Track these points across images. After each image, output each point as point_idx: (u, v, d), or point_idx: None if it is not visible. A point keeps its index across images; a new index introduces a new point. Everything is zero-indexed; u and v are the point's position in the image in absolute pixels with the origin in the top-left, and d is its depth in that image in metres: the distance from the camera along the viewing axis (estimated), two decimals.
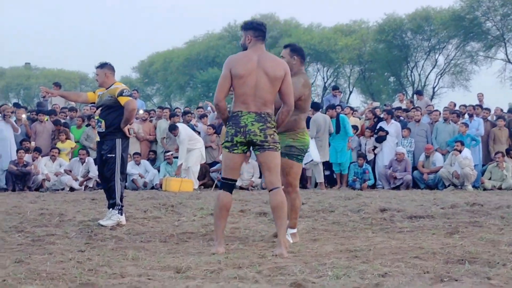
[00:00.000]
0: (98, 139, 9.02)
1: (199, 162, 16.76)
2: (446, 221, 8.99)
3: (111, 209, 8.81)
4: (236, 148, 6.49)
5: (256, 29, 6.68)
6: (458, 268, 5.46)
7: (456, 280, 4.94)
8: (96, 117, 8.97)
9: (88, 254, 6.32)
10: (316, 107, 17.03)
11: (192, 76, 55.26)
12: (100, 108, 8.94)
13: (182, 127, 16.64)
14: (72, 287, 4.61)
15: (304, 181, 17.29)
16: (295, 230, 7.45)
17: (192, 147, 16.51)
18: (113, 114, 8.81)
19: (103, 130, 8.85)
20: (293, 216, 7.43)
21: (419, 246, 6.74)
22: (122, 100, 8.75)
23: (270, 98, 6.50)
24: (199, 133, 17.77)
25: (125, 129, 8.92)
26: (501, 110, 19.97)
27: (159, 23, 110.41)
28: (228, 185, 6.61)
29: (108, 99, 8.82)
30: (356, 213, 10.05)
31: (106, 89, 8.92)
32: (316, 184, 17.41)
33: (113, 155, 8.82)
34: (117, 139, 8.85)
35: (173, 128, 16.64)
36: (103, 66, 9.03)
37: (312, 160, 15.46)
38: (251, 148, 6.54)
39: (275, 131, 6.51)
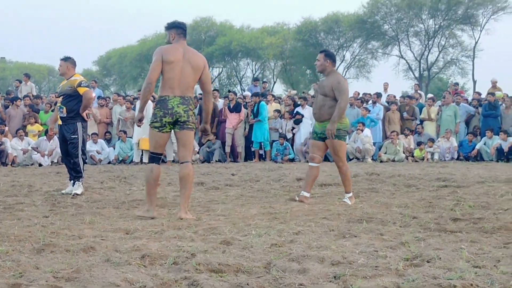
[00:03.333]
0: (60, 122, 8.83)
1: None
2: None
3: (77, 180, 8.68)
4: (164, 128, 6.39)
5: (178, 27, 6.65)
6: (357, 226, 5.54)
7: (355, 236, 5.01)
8: (58, 104, 8.77)
9: (52, 219, 6.20)
10: None
11: (143, 68, 54.45)
12: (62, 97, 8.75)
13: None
14: (36, 247, 4.50)
15: (235, 156, 17.32)
16: (350, 194, 7.65)
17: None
18: (73, 101, 8.67)
19: (65, 115, 8.70)
20: (347, 183, 7.67)
21: (327, 209, 6.82)
22: (81, 90, 8.63)
23: (192, 84, 6.48)
24: None
25: (83, 114, 8.80)
26: (394, 96, 20.19)
27: (114, 23, 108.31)
28: (158, 159, 6.54)
29: (68, 89, 8.66)
30: (277, 182, 10.09)
31: (67, 79, 8.76)
32: (246, 158, 17.44)
33: (76, 136, 8.70)
34: (77, 123, 8.74)
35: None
36: (67, 59, 8.89)
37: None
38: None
39: (194, 112, 6.49)
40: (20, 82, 20.77)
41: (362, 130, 16.53)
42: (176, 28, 6.66)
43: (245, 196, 8.31)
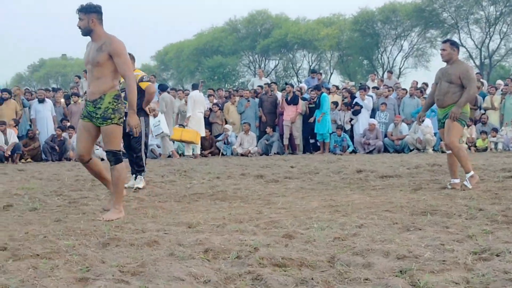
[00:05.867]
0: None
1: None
2: (411, 180, 8.94)
3: (139, 174, 8.79)
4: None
5: (98, 12, 5.97)
6: (422, 219, 5.42)
7: (420, 229, 4.90)
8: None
9: None
10: (162, 88, 17.62)
11: (200, 62, 55.09)
12: (123, 92, 8.84)
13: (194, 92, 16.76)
14: (101, 241, 4.56)
15: (293, 148, 17.26)
16: (471, 173, 7.85)
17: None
18: None
19: (127, 110, 8.78)
20: (464, 163, 7.85)
21: (389, 201, 6.69)
22: (143, 85, 8.69)
23: None
24: (210, 110, 17.85)
25: (146, 109, 8.88)
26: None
27: (171, 18, 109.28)
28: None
29: None
30: (337, 174, 9.99)
31: None
32: (304, 150, 17.36)
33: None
34: (140, 117, 8.79)
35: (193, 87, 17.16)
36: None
37: (162, 132, 15.30)
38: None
39: None
40: (80, 78, 21.10)
41: (422, 121, 16.16)
42: (97, 13, 5.96)
43: (305, 189, 8.27)
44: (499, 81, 20.06)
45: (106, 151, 6.13)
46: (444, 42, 8.05)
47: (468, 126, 16.81)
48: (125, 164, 6.20)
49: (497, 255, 3.85)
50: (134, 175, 8.87)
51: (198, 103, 16.40)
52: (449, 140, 7.76)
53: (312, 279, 3.35)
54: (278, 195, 7.57)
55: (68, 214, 6.19)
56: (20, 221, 5.74)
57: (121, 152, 6.10)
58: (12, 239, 4.70)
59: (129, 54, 8.93)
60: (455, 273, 3.44)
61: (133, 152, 8.84)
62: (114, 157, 6.03)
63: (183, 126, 16.26)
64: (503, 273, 3.36)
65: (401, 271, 3.52)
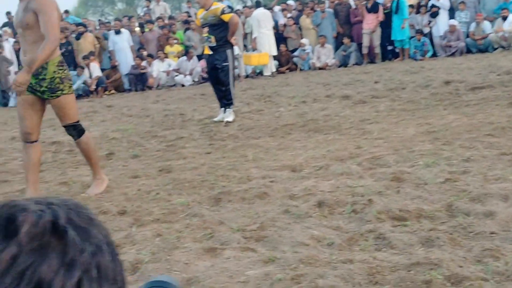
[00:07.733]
0: (209, 52, 8.89)
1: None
2: (505, 90, 8.63)
3: (228, 107, 8.86)
4: None
5: None
6: None
7: None
8: (205, 35, 8.85)
9: (214, 156, 6.35)
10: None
11: None
12: (207, 27, 8.82)
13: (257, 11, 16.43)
14: (212, 195, 4.65)
15: (372, 57, 16.85)
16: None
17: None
18: (219, 29, 8.72)
19: (214, 44, 8.77)
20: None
21: (489, 121, 6.52)
22: (226, 17, 8.66)
23: None
24: (285, 25, 17.61)
25: (232, 40, 8.87)
26: None
27: None
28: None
29: (212, 18, 8.69)
30: (425, 88, 9.71)
31: (206, 10, 8.78)
32: (383, 58, 16.92)
33: (227, 64, 8.79)
34: (227, 50, 8.82)
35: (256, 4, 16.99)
36: None
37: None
38: None
39: None
40: (150, 1, 20.81)
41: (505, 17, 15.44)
42: None
43: (396, 110, 8.14)
44: None
45: (64, 126, 5.23)
46: None
47: None
48: (88, 133, 5.43)
49: None
50: (223, 108, 8.93)
51: (263, 22, 16.08)
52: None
53: (438, 238, 3.30)
54: (371, 121, 7.49)
55: (170, 160, 6.32)
56: (127, 173, 5.91)
57: (80, 123, 5.23)
58: (127, 198, 4.87)
59: None
60: None
61: (222, 85, 8.88)
62: (75, 130, 5.19)
63: (253, 50, 16.10)
64: None
65: None
